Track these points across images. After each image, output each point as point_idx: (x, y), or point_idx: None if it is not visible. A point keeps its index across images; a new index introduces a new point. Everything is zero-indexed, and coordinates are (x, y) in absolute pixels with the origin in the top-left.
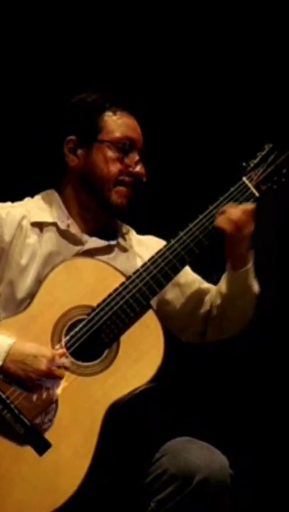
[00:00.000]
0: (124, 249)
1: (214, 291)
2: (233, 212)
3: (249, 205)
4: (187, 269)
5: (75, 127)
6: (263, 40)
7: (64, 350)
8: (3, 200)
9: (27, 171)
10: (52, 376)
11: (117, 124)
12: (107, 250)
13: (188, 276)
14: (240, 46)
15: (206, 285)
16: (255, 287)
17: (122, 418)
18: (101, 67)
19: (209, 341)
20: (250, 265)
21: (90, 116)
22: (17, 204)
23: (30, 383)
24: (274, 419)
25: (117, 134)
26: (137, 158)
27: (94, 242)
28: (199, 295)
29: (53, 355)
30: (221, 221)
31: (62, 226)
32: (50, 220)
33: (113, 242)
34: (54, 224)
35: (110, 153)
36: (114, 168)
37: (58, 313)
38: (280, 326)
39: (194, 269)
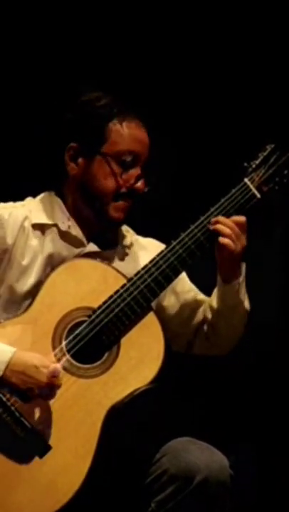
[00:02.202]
0: (125, 254)
1: (207, 305)
2: (228, 226)
3: (241, 218)
4: (185, 278)
5: (79, 134)
6: (264, 41)
7: (56, 364)
8: (5, 199)
9: (30, 171)
10: (53, 387)
11: (123, 136)
12: (106, 255)
13: (185, 285)
14: (241, 47)
15: (201, 296)
16: (246, 303)
17: (122, 419)
18: (102, 67)
19: (195, 354)
20: (241, 279)
21: (95, 125)
22: (19, 204)
23: (30, 394)
24: (275, 419)
25: (121, 147)
26: (138, 173)
27: (91, 247)
28: (194, 305)
29: (54, 364)
30: (223, 239)
31: (63, 227)
32: (51, 221)
33: (111, 251)
34: (55, 225)
35: (111, 168)
36: (113, 183)
37: (58, 315)
38: (281, 326)
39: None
